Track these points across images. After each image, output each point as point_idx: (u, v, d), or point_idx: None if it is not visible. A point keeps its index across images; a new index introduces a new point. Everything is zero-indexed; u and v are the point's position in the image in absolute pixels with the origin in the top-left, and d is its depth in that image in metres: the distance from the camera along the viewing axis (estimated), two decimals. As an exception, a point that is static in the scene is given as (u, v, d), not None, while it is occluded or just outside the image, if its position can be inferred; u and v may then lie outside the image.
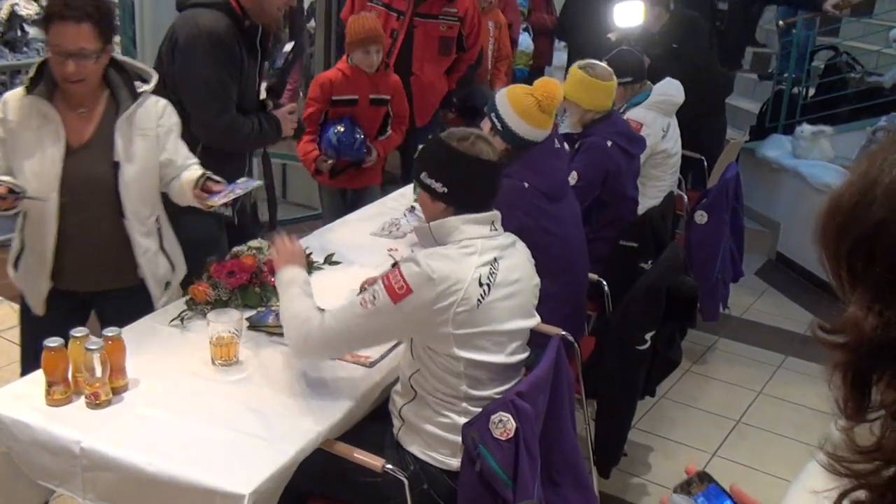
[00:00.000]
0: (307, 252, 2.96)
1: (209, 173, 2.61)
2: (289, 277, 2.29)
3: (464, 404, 2.11)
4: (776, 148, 5.79)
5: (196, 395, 2.18)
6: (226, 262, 2.69)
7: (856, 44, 6.58)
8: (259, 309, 2.62)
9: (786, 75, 6.18)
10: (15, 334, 2.94)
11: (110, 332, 2.16)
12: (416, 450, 2.16)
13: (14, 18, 6.47)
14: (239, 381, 2.26)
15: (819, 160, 5.47)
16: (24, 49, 6.49)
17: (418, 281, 2.00)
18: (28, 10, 6.47)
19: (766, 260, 5.66)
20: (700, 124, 4.66)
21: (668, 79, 4.26)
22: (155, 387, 2.21)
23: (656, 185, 4.08)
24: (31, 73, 2.50)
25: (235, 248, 2.79)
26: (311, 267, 2.94)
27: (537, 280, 2.29)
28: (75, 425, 2.02)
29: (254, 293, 2.66)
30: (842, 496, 0.76)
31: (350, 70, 3.73)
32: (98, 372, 2.06)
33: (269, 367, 2.34)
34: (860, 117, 5.82)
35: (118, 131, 2.52)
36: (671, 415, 3.77)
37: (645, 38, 4.78)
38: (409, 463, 2.14)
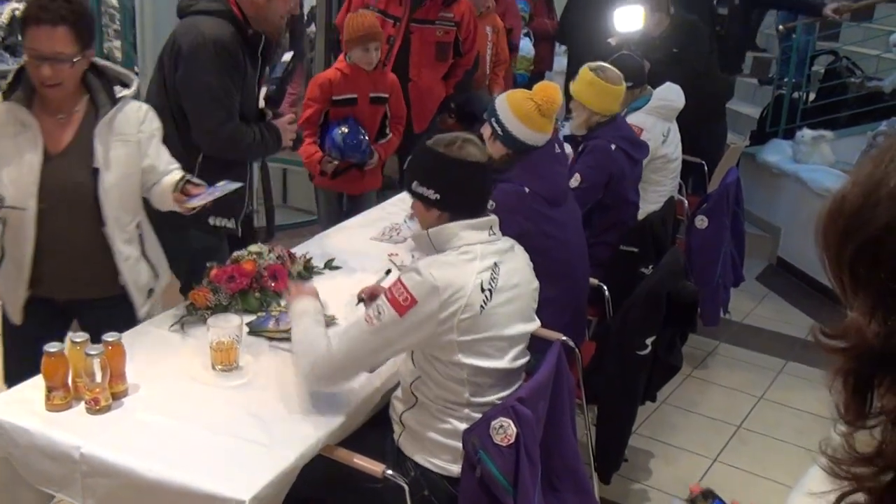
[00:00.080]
0: (307, 257, 2.97)
1: (189, 176, 2.59)
2: (301, 309, 2.28)
3: (466, 410, 2.11)
4: (776, 153, 5.79)
5: (196, 400, 2.18)
6: (226, 266, 2.68)
7: (856, 48, 6.59)
8: (259, 314, 2.62)
9: (786, 80, 6.18)
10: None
11: (110, 337, 2.16)
12: (416, 456, 2.16)
13: (15, 23, 6.49)
14: (239, 387, 2.26)
15: (819, 165, 5.47)
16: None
17: (422, 291, 2.00)
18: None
19: (766, 265, 5.66)
20: (700, 129, 4.66)
21: (668, 83, 4.26)
22: (155, 392, 2.20)
23: (657, 189, 4.08)
24: (9, 78, 2.46)
25: (236, 253, 2.78)
26: (311, 272, 2.94)
27: (536, 284, 2.29)
28: (75, 431, 2.02)
29: (254, 298, 2.65)
30: (840, 499, 0.75)
31: (349, 69, 3.73)
32: (98, 377, 2.06)
33: (269, 372, 2.33)
34: (860, 122, 5.82)
35: (97, 137, 2.47)
36: (672, 420, 3.77)
37: (645, 43, 4.78)
38: (409, 469, 2.14)
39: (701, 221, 3.93)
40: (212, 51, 2.88)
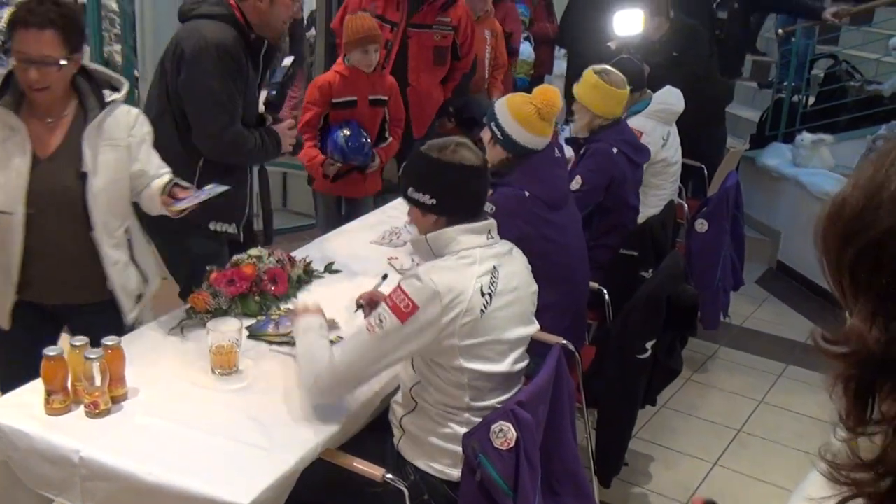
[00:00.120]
0: (307, 260, 2.97)
1: (177, 179, 2.57)
2: (305, 325, 2.28)
3: (466, 415, 2.11)
4: (776, 156, 5.79)
5: (196, 404, 2.18)
6: (226, 270, 2.68)
7: (855, 52, 6.59)
8: (259, 318, 2.62)
9: (786, 84, 6.18)
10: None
11: (110, 340, 2.15)
12: (416, 460, 2.16)
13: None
14: (239, 391, 2.26)
15: (819, 169, 5.47)
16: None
17: (423, 297, 1.99)
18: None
19: (766, 268, 5.66)
20: (700, 133, 4.66)
21: (668, 87, 4.27)
22: (154, 396, 2.20)
23: (657, 193, 4.08)
24: None
25: (235, 257, 2.78)
26: (311, 275, 2.94)
27: (535, 287, 2.29)
28: (74, 434, 2.02)
29: (254, 302, 2.65)
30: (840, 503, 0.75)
31: (348, 71, 3.72)
32: (97, 381, 2.06)
33: (268, 376, 2.33)
34: (860, 126, 5.83)
35: (86, 141, 2.45)
36: (672, 424, 3.76)
37: (645, 47, 4.78)
38: (409, 473, 2.14)
39: (701, 225, 3.93)
40: (215, 55, 2.87)
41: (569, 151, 3.77)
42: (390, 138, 3.94)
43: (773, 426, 3.80)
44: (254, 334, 2.52)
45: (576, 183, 3.45)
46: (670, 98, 4.21)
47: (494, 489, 1.98)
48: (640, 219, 3.71)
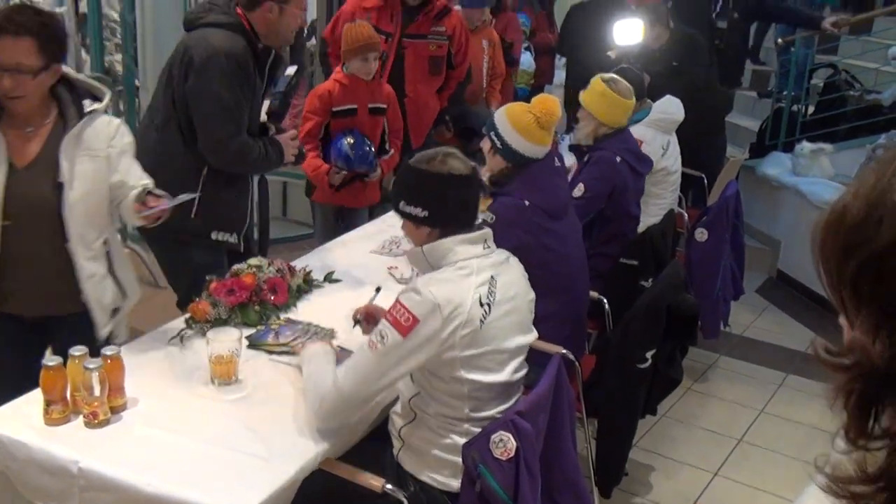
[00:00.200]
0: (307, 270, 2.96)
1: (151, 187, 2.52)
2: (310, 353, 2.27)
3: (466, 425, 2.10)
4: (776, 165, 5.80)
5: (195, 414, 2.17)
6: (225, 280, 2.68)
7: (854, 62, 6.61)
8: (259, 327, 2.62)
9: (785, 93, 6.20)
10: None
11: (109, 350, 2.15)
12: (416, 471, 2.15)
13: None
14: (238, 400, 2.25)
15: (819, 178, 5.47)
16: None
17: (423, 310, 1.99)
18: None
19: (766, 277, 5.66)
20: (700, 142, 4.67)
21: (667, 96, 4.28)
22: (154, 406, 2.20)
23: (657, 202, 4.08)
24: None
25: (235, 267, 2.78)
26: (311, 285, 2.94)
27: (533, 295, 2.28)
28: (73, 445, 2.01)
29: (253, 311, 2.65)
30: None
31: (347, 79, 3.72)
32: (97, 391, 2.05)
33: (268, 385, 2.33)
34: (859, 135, 5.84)
35: (63, 151, 2.41)
36: (672, 434, 3.76)
37: (645, 56, 4.80)
38: (409, 484, 2.13)
39: (701, 234, 3.93)
40: (224, 63, 2.87)
41: (570, 160, 3.78)
42: (392, 151, 3.94)
43: (773, 436, 3.79)
44: (253, 344, 2.52)
45: (578, 190, 3.46)
46: (670, 107, 4.22)
47: (494, 499, 1.97)
48: (640, 228, 3.71)
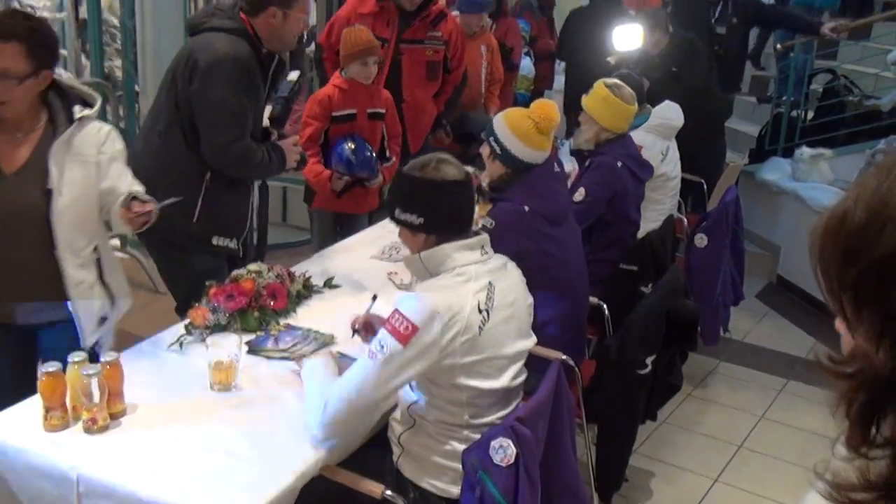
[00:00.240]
0: (306, 276, 2.96)
1: (137, 193, 2.48)
2: (311, 366, 2.26)
3: (465, 432, 2.10)
4: (775, 171, 5.80)
5: (194, 420, 2.17)
6: (225, 286, 2.68)
7: (854, 67, 6.62)
8: (258, 333, 2.61)
9: (784, 98, 6.20)
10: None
11: (109, 356, 2.15)
12: (415, 477, 2.15)
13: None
14: (238, 406, 2.25)
15: (818, 183, 5.48)
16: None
17: (422, 317, 1.98)
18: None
19: (766, 283, 5.66)
20: (699, 147, 4.67)
21: (667, 102, 4.28)
22: (153, 412, 2.19)
23: (656, 208, 4.08)
24: None
25: (235, 272, 2.78)
26: (310, 291, 2.93)
27: (531, 299, 2.28)
28: (72, 451, 2.01)
29: (253, 317, 2.65)
30: None
31: (346, 84, 3.72)
32: (96, 397, 2.05)
33: (268, 391, 2.32)
34: (859, 140, 5.84)
35: (52, 157, 2.39)
36: (672, 439, 3.75)
37: (644, 62, 4.80)
38: (409, 490, 2.13)
39: (700, 240, 3.93)
40: (230, 67, 2.87)
41: (569, 166, 3.78)
42: (394, 159, 3.93)
43: (773, 442, 3.78)
44: (253, 350, 2.52)
45: (579, 194, 3.46)
46: (669, 113, 4.22)
47: (494, 506, 1.97)
48: (640, 233, 3.71)
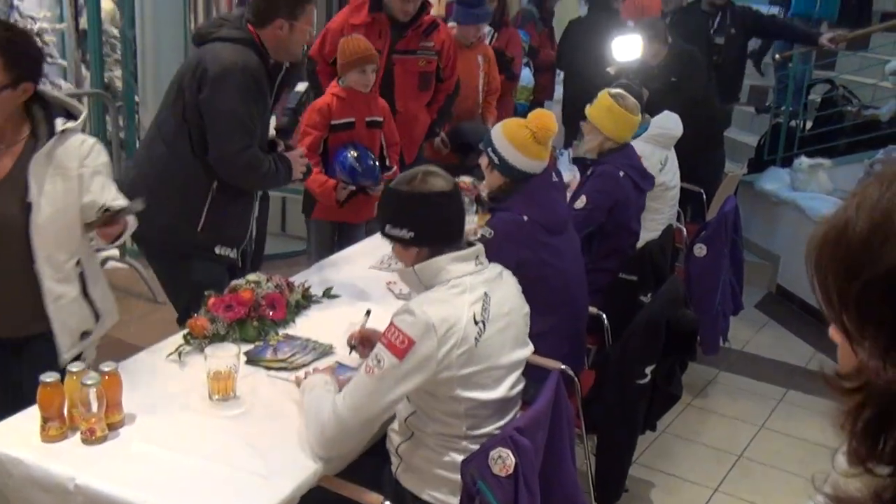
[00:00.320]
0: (305, 286, 2.96)
1: (110, 205, 2.45)
2: (310, 384, 2.25)
3: (464, 443, 2.09)
4: (774, 181, 5.81)
5: (193, 430, 2.16)
6: (224, 296, 2.67)
7: (852, 77, 6.64)
8: (257, 343, 2.61)
9: (783, 108, 6.22)
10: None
11: (107, 366, 2.14)
12: (414, 488, 2.14)
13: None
14: (236, 417, 2.24)
15: (817, 193, 5.49)
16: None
17: (418, 331, 1.97)
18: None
19: (765, 293, 5.66)
20: (698, 157, 4.68)
21: (666, 112, 4.29)
22: (151, 422, 2.19)
23: (655, 217, 4.08)
24: None
25: (234, 282, 2.77)
26: (309, 300, 2.93)
27: (527, 308, 2.27)
28: (70, 462, 2.00)
29: (252, 327, 2.65)
30: None
31: (345, 92, 3.72)
32: (94, 407, 2.04)
33: (266, 402, 2.32)
34: (857, 150, 5.85)
35: (32, 170, 2.35)
36: (672, 450, 3.74)
37: (643, 72, 4.81)
38: (407, 501, 2.12)
39: (700, 249, 3.93)
40: (239, 76, 2.88)
41: (568, 175, 3.78)
42: (395, 167, 3.93)
43: (773, 452, 3.78)
44: (252, 360, 2.51)
45: (580, 202, 3.47)
46: (668, 123, 4.23)
47: (493, 516, 1.96)
48: (639, 243, 3.71)
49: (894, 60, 6.29)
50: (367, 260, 3.43)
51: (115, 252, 4.82)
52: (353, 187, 3.69)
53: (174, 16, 5.62)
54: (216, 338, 2.55)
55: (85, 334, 2.58)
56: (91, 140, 2.52)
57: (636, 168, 3.66)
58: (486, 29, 5.35)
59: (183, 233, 3.02)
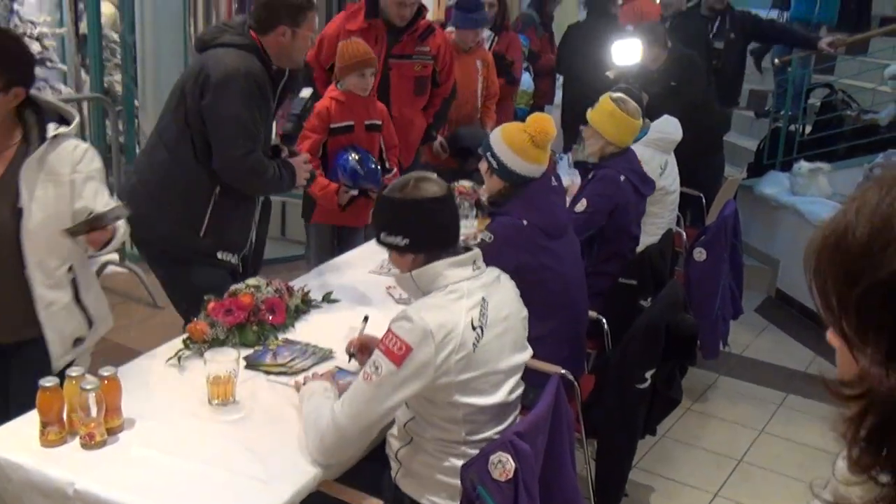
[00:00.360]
0: (305, 290, 2.96)
1: (96, 213, 2.41)
2: (309, 391, 2.25)
3: (463, 448, 2.09)
4: (774, 185, 5.81)
5: (192, 435, 2.16)
6: (223, 300, 2.67)
7: (851, 82, 6.64)
8: (257, 348, 2.61)
9: (782, 113, 6.22)
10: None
11: (106, 371, 2.14)
12: (414, 493, 2.14)
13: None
14: (236, 421, 2.24)
15: (817, 197, 5.49)
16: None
17: (415, 337, 1.97)
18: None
19: (765, 297, 5.66)
20: (698, 161, 4.68)
21: (665, 116, 4.29)
22: (151, 427, 2.18)
23: (655, 222, 4.08)
24: None
25: (233, 287, 2.77)
26: (309, 305, 2.93)
27: (525, 312, 2.27)
28: (69, 466, 2.00)
29: (251, 332, 2.64)
30: None
31: (343, 96, 3.72)
32: (93, 412, 2.04)
33: (266, 406, 2.32)
34: (857, 154, 5.86)
35: (23, 175, 2.34)
36: (672, 454, 3.74)
37: (643, 76, 4.82)
38: (407, 505, 2.12)
39: (699, 254, 3.93)
40: (243, 82, 2.88)
41: (567, 179, 3.78)
42: (395, 169, 3.93)
43: (773, 456, 3.77)
44: (251, 364, 2.51)
45: (581, 205, 3.48)
46: (668, 127, 4.24)
47: (493, 521, 1.96)
48: (639, 247, 3.71)
49: (893, 65, 6.29)
50: (366, 264, 3.43)
51: (114, 256, 4.82)
52: (355, 191, 3.68)
53: (174, 21, 5.62)
54: (216, 342, 2.54)
55: (78, 341, 2.57)
56: (84, 145, 2.50)
57: (637, 172, 3.66)
58: (486, 33, 5.36)
59: (185, 238, 3.02)
